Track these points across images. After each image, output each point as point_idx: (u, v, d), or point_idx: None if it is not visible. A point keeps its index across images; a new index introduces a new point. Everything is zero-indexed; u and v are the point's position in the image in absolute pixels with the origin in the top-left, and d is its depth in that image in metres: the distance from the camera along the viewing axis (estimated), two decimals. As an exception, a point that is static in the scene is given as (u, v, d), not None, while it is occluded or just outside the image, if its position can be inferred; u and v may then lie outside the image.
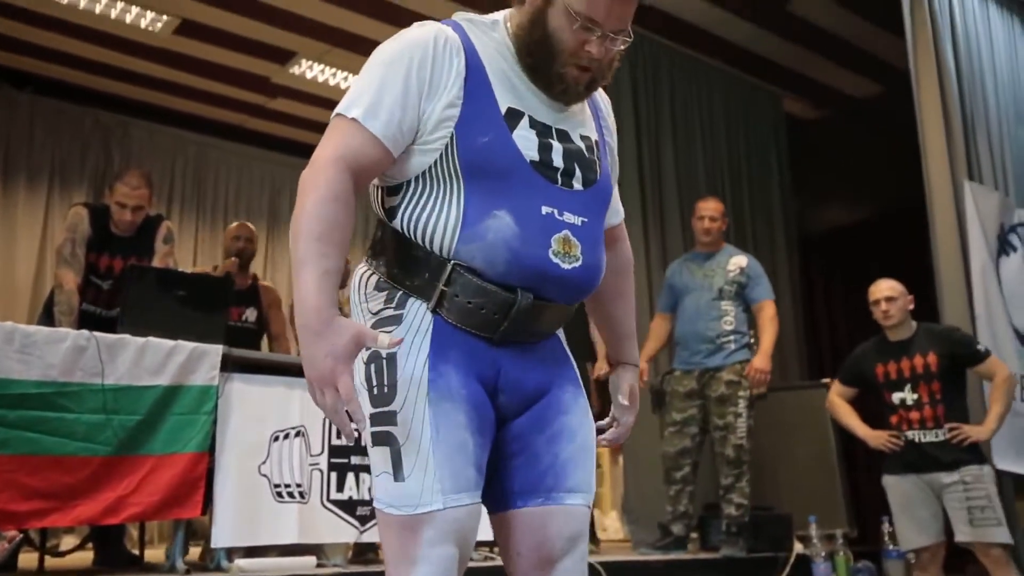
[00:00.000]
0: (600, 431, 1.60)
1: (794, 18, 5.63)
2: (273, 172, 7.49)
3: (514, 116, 1.39)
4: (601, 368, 4.11)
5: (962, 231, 4.60)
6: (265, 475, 3.10)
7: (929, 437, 3.65)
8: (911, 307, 3.85)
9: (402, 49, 1.37)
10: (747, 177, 6.46)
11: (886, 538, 4.53)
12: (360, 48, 5.85)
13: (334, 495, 3.23)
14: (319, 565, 3.19)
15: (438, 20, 1.44)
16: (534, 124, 1.40)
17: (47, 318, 3.51)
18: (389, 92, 1.34)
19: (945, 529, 3.70)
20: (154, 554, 3.63)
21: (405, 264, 1.39)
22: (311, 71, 6.20)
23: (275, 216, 7.51)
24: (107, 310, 3.57)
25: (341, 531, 3.23)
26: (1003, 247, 4.80)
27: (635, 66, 5.72)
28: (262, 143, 7.32)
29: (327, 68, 6.17)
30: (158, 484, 2.88)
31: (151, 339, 2.98)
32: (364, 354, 1.40)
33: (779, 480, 5.13)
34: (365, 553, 3.51)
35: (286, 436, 3.20)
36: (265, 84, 6.42)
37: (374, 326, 1.40)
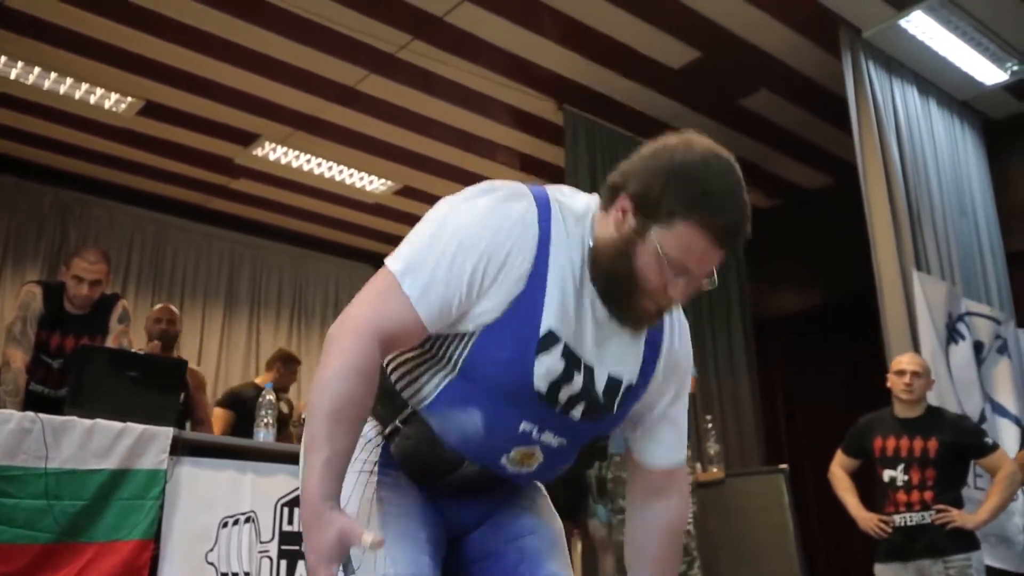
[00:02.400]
0: None
1: (747, 112, 5.85)
2: (232, 251, 7.48)
3: (550, 341, 1.27)
4: None
5: (912, 319, 4.71)
6: (212, 563, 3.00)
7: (915, 520, 3.55)
8: (929, 390, 3.79)
9: (482, 234, 1.24)
10: (703, 263, 6.58)
11: (846, 626, 4.49)
12: (322, 131, 5.94)
13: (284, 584, 3.13)
14: (266, 659, 3.07)
15: (527, 184, 1.32)
16: (566, 353, 1.29)
17: (-9, 397, 3.42)
18: (451, 282, 1.23)
19: None
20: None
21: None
22: (274, 153, 6.26)
23: (232, 295, 7.46)
24: (55, 390, 3.50)
25: (290, 622, 3.12)
26: (951, 335, 4.91)
27: (593, 158, 5.87)
28: (223, 223, 7.32)
29: (290, 150, 6.24)
30: (99, 573, 2.77)
31: (99, 421, 2.91)
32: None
33: (737, 566, 5.08)
34: (314, 646, 3.38)
35: (235, 522, 3.11)
36: (228, 165, 6.46)
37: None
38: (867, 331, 5.18)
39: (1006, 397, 4.87)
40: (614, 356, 1.34)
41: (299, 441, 1.55)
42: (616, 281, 1.27)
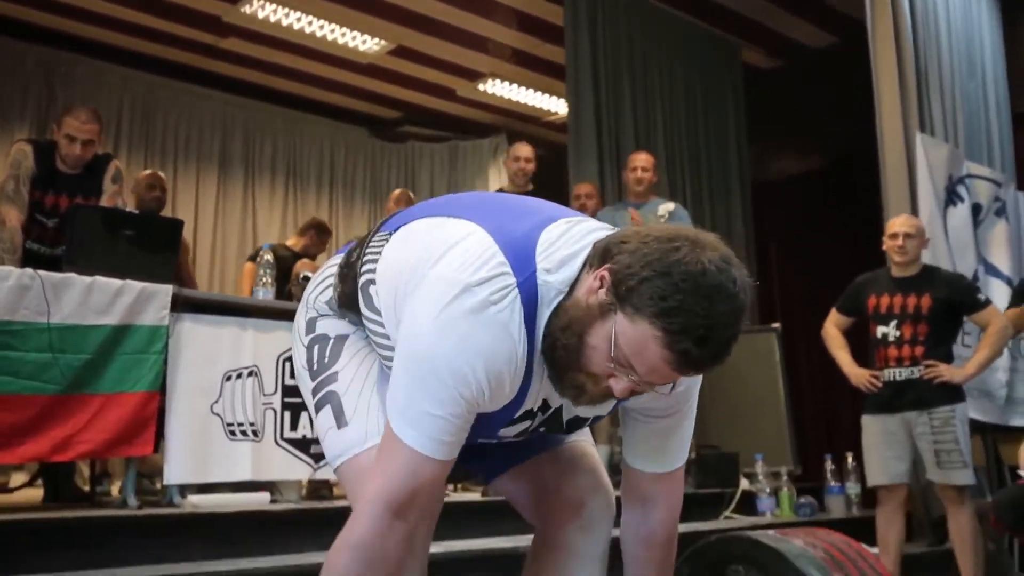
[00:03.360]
0: None
1: (753, -35, 5.62)
2: (224, 113, 7.34)
3: (524, 416, 1.28)
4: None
5: (912, 181, 4.69)
6: (217, 414, 3.10)
7: (904, 375, 3.63)
8: (924, 249, 3.82)
9: (475, 364, 1.15)
10: (704, 124, 6.49)
11: (828, 475, 4.69)
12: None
13: (288, 434, 3.25)
14: (273, 501, 3.21)
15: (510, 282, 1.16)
16: (540, 410, 1.29)
17: (-13, 255, 3.43)
18: (454, 418, 1.17)
19: (913, 471, 3.74)
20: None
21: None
22: (263, 10, 6.04)
23: (226, 159, 7.37)
24: (52, 249, 3.49)
25: (295, 469, 3.25)
26: (950, 197, 4.90)
27: (595, 15, 5.67)
28: (213, 83, 7.13)
29: (279, 7, 6.02)
30: (108, 422, 2.86)
31: (98, 278, 2.93)
32: (306, 339, 1.46)
33: (728, 421, 5.25)
34: (319, 490, 3.54)
35: (239, 376, 3.19)
36: (216, 23, 6.25)
37: (311, 319, 1.47)
38: (866, 194, 5.17)
39: (1000, 258, 4.91)
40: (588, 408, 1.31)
41: (298, 300, 1.58)
42: (560, 349, 1.17)
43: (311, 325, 1.48)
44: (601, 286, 1.13)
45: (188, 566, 2.61)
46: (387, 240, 1.36)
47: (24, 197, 3.42)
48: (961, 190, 4.93)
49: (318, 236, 5.28)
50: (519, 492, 1.53)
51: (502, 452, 1.49)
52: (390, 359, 1.32)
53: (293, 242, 5.24)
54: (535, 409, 1.29)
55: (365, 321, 1.39)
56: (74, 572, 2.43)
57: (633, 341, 1.10)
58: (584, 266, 1.18)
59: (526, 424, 1.32)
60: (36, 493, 3.62)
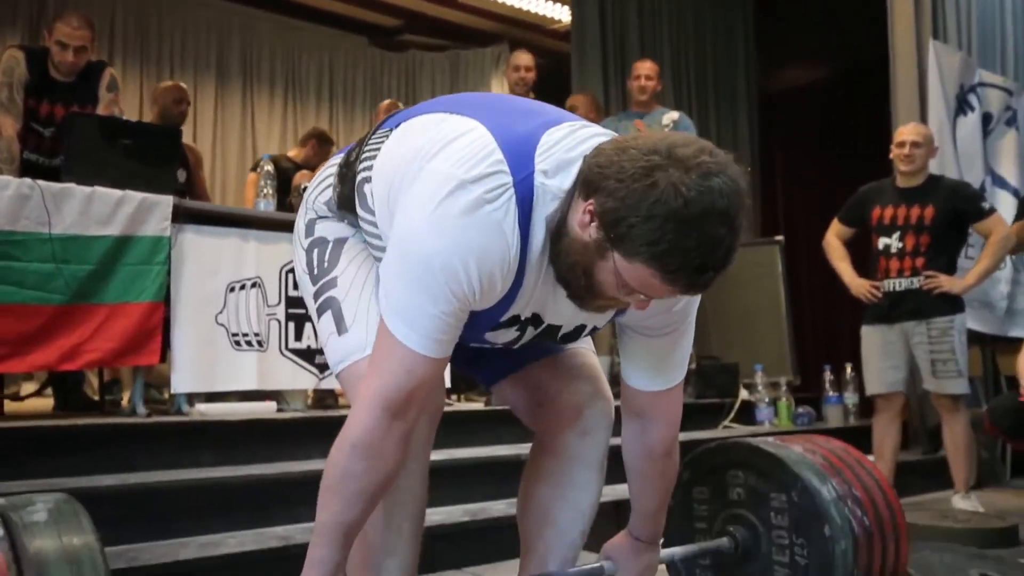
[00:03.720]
0: None
1: None
2: (221, 20, 7.17)
3: (510, 321, 1.29)
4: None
5: (922, 90, 4.61)
6: (222, 324, 3.12)
7: (904, 285, 3.63)
8: (932, 158, 3.78)
9: (467, 261, 1.14)
10: (711, 33, 6.34)
11: (827, 386, 4.75)
12: None
13: (292, 344, 3.27)
14: (279, 410, 3.26)
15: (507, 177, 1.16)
16: (525, 322, 1.30)
17: (-15, 166, 3.39)
18: (447, 316, 1.17)
19: (910, 380, 3.78)
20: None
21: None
22: (257, -90, 5.83)
23: (224, 69, 7.23)
24: (49, 159, 3.45)
25: (300, 378, 3.29)
26: (961, 106, 4.82)
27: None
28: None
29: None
30: (114, 332, 2.89)
31: (98, 189, 2.90)
32: (305, 242, 1.46)
33: (729, 332, 5.30)
34: (324, 399, 3.60)
35: (242, 287, 3.20)
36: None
37: (310, 221, 1.47)
38: (875, 103, 5.08)
39: (1008, 169, 4.85)
40: (581, 317, 1.32)
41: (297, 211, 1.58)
42: (573, 281, 1.19)
43: (310, 227, 1.48)
44: (591, 221, 1.12)
45: (197, 472, 2.67)
46: (386, 137, 1.34)
47: (19, 105, 3.36)
48: (972, 99, 4.84)
49: (319, 146, 5.20)
50: (519, 397, 1.56)
51: (503, 358, 1.51)
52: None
53: (294, 153, 5.18)
54: (523, 318, 1.30)
55: (361, 222, 1.38)
56: (86, 477, 2.48)
57: (636, 279, 1.11)
58: (576, 183, 1.17)
59: (515, 334, 1.33)
60: (46, 402, 3.68)
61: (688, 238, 1.05)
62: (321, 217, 1.47)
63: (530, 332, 1.33)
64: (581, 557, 1.65)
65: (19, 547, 0.96)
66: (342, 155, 1.46)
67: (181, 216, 3.09)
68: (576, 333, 1.39)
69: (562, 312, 1.29)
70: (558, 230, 1.17)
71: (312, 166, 5.05)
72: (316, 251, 1.44)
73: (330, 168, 1.48)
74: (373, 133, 1.39)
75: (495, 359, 1.50)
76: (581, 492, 1.52)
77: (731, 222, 1.07)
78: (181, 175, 4.19)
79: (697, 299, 1.36)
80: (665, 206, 1.05)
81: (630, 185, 1.07)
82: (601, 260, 1.13)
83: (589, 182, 1.12)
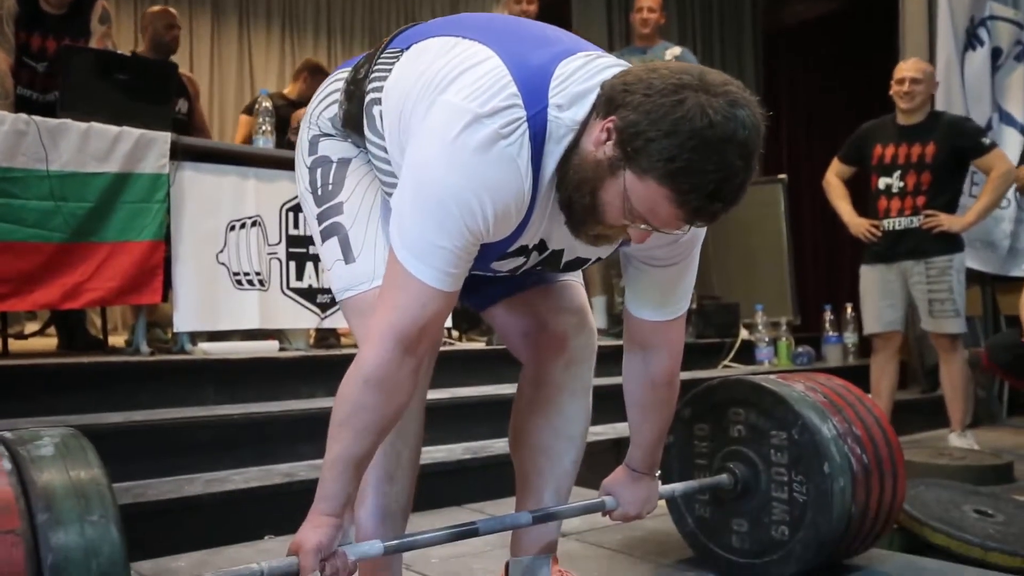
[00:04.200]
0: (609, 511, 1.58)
1: None
2: (215, -50, 7.00)
3: (518, 251, 1.29)
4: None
5: (931, 24, 4.53)
6: (223, 263, 3.11)
7: (904, 224, 3.61)
8: (934, 93, 3.73)
9: (482, 196, 1.13)
10: (717, -34, 6.20)
11: (827, 325, 4.77)
12: None
13: (294, 283, 3.27)
14: (281, 349, 3.28)
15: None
16: (531, 249, 1.30)
17: (-22, 101, 3.34)
18: (459, 250, 1.16)
19: (908, 320, 3.79)
20: (117, 340, 3.69)
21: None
22: None
23: (220, 5, 7.10)
24: (43, 94, 3.40)
25: (302, 317, 3.30)
26: (970, 41, 4.73)
27: None
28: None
29: None
30: (115, 271, 2.88)
31: (94, 125, 2.86)
32: (308, 159, 1.45)
33: (730, 272, 5.30)
34: (327, 338, 3.61)
35: (242, 226, 3.18)
36: None
37: (314, 137, 1.45)
38: (882, 39, 4.99)
39: (1016, 106, 4.79)
40: (583, 248, 1.31)
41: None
42: (576, 204, 1.17)
43: (313, 145, 1.46)
44: (608, 139, 1.11)
45: (201, 410, 2.69)
46: (398, 58, 1.31)
47: (10, 39, 3.29)
48: (982, 32, 4.75)
49: (312, 78, 5.08)
50: (508, 324, 1.57)
51: (495, 284, 1.52)
52: (391, 185, 1.31)
53: (289, 89, 5.08)
54: (530, 247, 1.30)
55: (368, 144, 1.37)
56: (91, 414, 2.50)
57: (644, 199, 1.09)
58: (593, 110, 1.15)
59: (520, 260, 1.33)
60: (50, 341, 3.70)
61: (707, 160, 1.04)
62: (325, 134, 1.45)
63: (534, 257, 1.33)
64: (581, 495, 1.67)
65: (27, 480, 0.96)
66: (348, 69, 1.43)
67: (179, 153, 3.05)
68: (578, 263, 1.39)
69: (567, 239, 1.29)
70: (567, 154, 1.17)
71: (308, 100, 4.95)
72: (320, 170, 1.42)
73: (335, 83, 1.45)
74: (383, 50, 1.36)
75: (486, 286, 1.51)
76: (570, 420, 1.54)
77: (748, 157, 1.06)
78: (183, 105, 4.14)
79: (703, 231, 1.35)
80: (690, 123, 1.03)
81: (656, 100, 1.06)
82: (611, 178, 1.11)
83: (611, 99, 1.11)
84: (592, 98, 1.16)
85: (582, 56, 1.21)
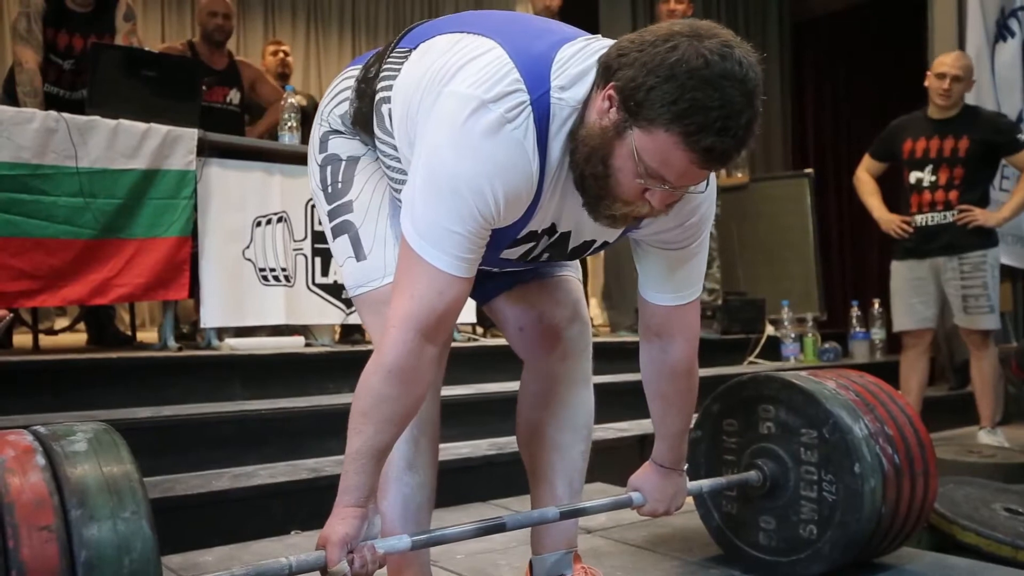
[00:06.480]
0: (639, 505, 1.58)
1: None
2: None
3: (528, 238, 1.30)
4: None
5: (961, 15, 4.46)
6: (249, 259, 3.13)
7: (937, 219, 3.57)
8: (969, 91, 3.67)
9: (493, 180, 1.15)
10: (742, -43, 6.14)
11: (854, 321, 4.72)
12: None
13: (319, 279, 3.28)
14: (307, 345, 3.29)
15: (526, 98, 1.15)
16: (540, 234, 1.31)
17: (8, 98, 3.38)
18: (472, 234, 1.18)
19: (939, 316, 3.73)
20: (145, 336, 3.73)
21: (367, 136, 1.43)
22: None
23: (245, 0, 7.10)
24: (71, 91, 3.43)
25: (327, 314, 3.31)
26: (1001, 32, 4.66)
27: None
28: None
29: None
30: (143, 267, 2.91)
31: (123, 122, 2.89)
32: (319, 157, 1.47)
33: (756, 267, 5.25)
34: (352, 334, 3.62)
35: (268, 222, 3.20)
36: None
37: (324, 134, 1.47)
38: (911, 31, 4.92)
39: (1048, 99, 4.70)
40: (592, 229, 1.31)
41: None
42: (589, 179, 1.18)
43: (324, 142, 1.48)
44: (611, 105, 1.12)
45: (228, 405, 2.70)
46: (406, 57, 1.33)
47: (38, 37, 3.33)
48: (1013, 24, 4.67)
49: None
50: (506, 317, 1.58)
51: (494, 279, 1.53)
52: (400, 183, 1.33)
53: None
54: (540, 231, 1.31)
55: (377, 142, 1.39)
56: (121, 409, 2.52)
57: (655, 152, 1.10)
58: (593, 86, 1.17)
59: (529, 246, 1.34)
60: (79, 337, 3.74)
61: (709, 97, 1.05)
62: (335, 131, 1.47)
63: (544, 242, 1.34)
64: (607, 491, 1.67)
65: (60, 476, 0.97)
66: (358, 66, 1.45)
67: (206, 150, 3.07)
68: (584, 247, 1.40)
69: (574, 220, 1.31)
70: (573, 132, 1.18)
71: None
72: (329, 168, 1.45)
73: (346, 80, 1.47)
74: (392, 49, 1.38)
75: (487, 280, 1.52)
76: (573, 411, 1.55)
77: (749, 94, 1.07)
78: (234, 96, 4.13)
79: (711, 216, 1.37)
80: (686, 64, 1.05)
81: (650, 51, 1.08)
82: (619, 142, 1.12)
83: (608, 67, 1.13)
84: (592, 76, 1.18)
85: (581, 41, 1.24)
